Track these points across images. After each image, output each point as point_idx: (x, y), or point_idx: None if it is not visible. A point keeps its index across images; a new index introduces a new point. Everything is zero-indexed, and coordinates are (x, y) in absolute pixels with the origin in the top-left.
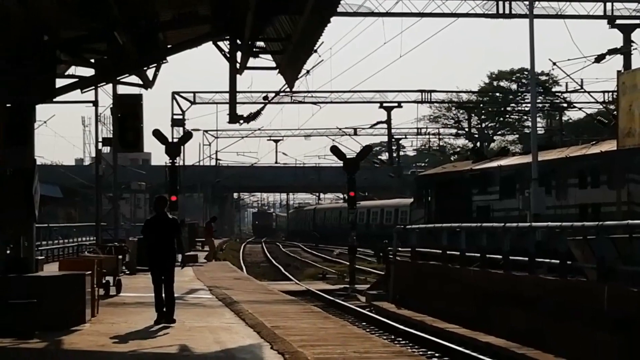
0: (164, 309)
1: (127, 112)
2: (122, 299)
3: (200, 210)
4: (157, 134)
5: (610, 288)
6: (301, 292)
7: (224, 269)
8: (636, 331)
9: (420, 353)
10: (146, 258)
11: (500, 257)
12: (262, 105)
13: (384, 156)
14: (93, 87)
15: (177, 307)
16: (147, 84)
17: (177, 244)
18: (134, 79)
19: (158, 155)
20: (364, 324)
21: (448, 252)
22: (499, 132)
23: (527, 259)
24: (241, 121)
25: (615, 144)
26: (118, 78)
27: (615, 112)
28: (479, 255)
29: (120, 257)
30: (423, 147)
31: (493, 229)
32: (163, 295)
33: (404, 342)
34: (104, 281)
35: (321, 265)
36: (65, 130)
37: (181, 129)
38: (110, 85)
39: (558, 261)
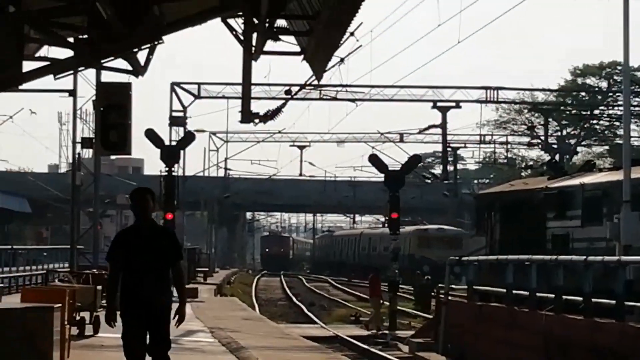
0: None
1: (112, 105)
2: (101, 341)
3: (203, 234)
4: (151, 134)
5: None
6: (328, 339)
7: (231, 306)
8: None
9: None
10: (118, 301)
11: (580, 298)
12: (284, 101)
13: (437, 169)
14: (70, 73)
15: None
16: (138, 70)
17: (175, 277)
18: (121, 63)
19: (153, 163)
20: None
21: (515, 291)
22: (584, 142)
23: (614, 302)
24: (257, 121)
25: None
26: (101, 62)
27: None
28: (553, 296)
29: (99, 287)
30: (487, 159)
31: (572, 263)
32: None
33: None
34: (77, 317)
35: (354, 305)
36: (37, 129)
37: (182, 129)
38: (93, 71)
39: None
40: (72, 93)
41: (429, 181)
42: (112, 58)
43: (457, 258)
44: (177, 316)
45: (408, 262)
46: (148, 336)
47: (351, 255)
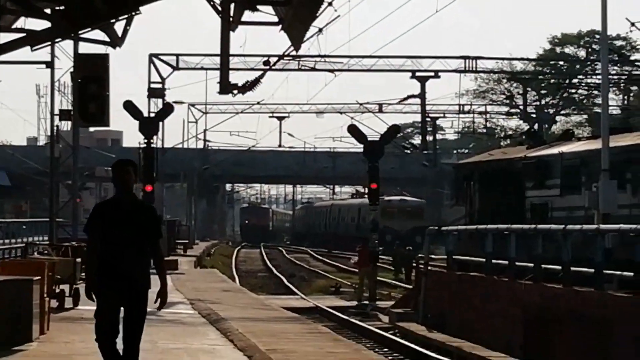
0: None
1: (90, 77)
2: (80, 313)
3: (183, 206)
4: (129, 106)
5: None
6: (308, 309)
7: (211, 278)
8: None
9: None
10: (94, 277)
11: (559, 267)
12: (262, 72)
13: (417, 140)
14: (47, 44)
15: (148, 324)
16: (116, 41)
17: (154, 256)
18: (99, 35)
19: (131, 135)
20: (386, 350)
21: (494, 260)
22: (562, 112)
23: (593, 270)
24: (235, 92)
25: None
26: (78, 33)
27: None
28: (532, 265)
29: (78, 260)
30: (466, 129)
31: (551, 232)
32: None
33: None
34: (57, 290)
35: (334, 276)
36: (15, 102)
37: (160, 101)
38: (71, 43)
39: (632, 273)
40: (50, 65)
41: (408, 151)
42: (89, 29)
43: (437, 228)
44: (158, 299)
45: (349, 230)
46: (125, 314)
47: (324, 225)
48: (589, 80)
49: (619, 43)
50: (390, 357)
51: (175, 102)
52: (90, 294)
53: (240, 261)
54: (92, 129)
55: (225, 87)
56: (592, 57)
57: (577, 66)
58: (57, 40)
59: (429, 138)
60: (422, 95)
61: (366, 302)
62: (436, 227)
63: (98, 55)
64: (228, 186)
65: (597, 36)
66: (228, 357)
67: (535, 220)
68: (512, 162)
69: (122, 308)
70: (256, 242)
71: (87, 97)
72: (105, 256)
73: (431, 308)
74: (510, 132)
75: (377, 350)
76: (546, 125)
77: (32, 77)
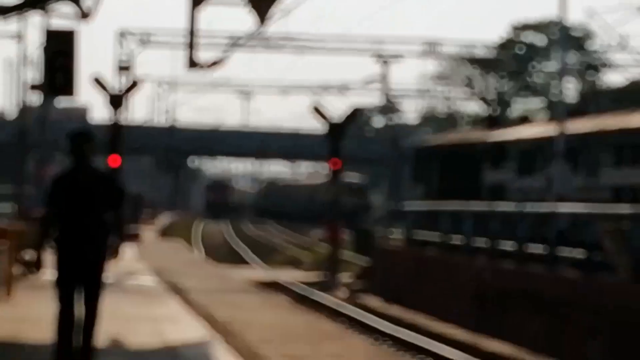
0: (76, 354)
1: (59, 49)
2: (45, 281)
3: (148, 180)
4: (97, 81)
5: None
6: (268, 282)
7: (175, 250)
8: None
9: (408, 358)
10: (53, 250)
11: (513, 247)
12: (229, 50)
13: (379, 122)
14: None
15: (112, 292)
16: (85, 15)
17: (114, 223)
18: (68, 8)
19: (99, 110)
20: (342, 321)
21: (450, 239)
22: (521, 97)
23: (546, 250)
24: (202, 69)
25: None
26: (47, 5)
27: None
28: (487, 244)
29: None
30: (427, 112)
31: (506, 213)
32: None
33: (390, 344)
34: (23, 258)
35: (295, 250)
36: None
37: (128, 76)
38: (41, 18)
39: (584, 254)
40: (19, 37)
41: (370, 133)
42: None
43: (397, 207)
44: (110, 250)
45: (318, 208)
46: (83, 291)
47: (284, 203)
48: (547, 67)
49: (577, 32)
50: (347, 328)
51: (142, 78)
52: (39, 265)
53: (204, 235)
54: (61, 106)
55: (193, 64)
56: (552, 45)
57: (537, 53)
58: (26, 9)
59: (391, 120)
60: (384, 78)
61: (327, 276)
62: (396, 206)
63: (67, 28)
64: (193, 162)
65: (557, 24)
66: (189, 325)
67: (492, 201)
68: (470, 145)
69: (83, 289)
70: (220, 217)
71: (55, 69)
72: (64, 228)
73: (389, 283)
74: (470, 117)
75: (334, 321)
76: (505, 111)
77: (1, 50)
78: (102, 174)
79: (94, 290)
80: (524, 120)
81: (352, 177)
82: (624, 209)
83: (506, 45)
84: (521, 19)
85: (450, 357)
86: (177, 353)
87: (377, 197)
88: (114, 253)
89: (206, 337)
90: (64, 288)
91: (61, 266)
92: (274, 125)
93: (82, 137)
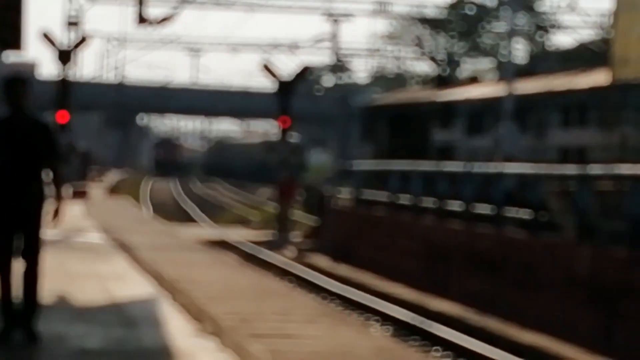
0: (19, 310)
1: (6, 3)
2: None
3: (97, 136)
4: (46, 36)
5: (589, 250)
6: (215, 240)
7: (123, 207)
8: (616, 303)
9: (355, 317)
10: None
11: (460, 206)
12: (179, 6)
13: (328, 80)
14: None
15: (57, 250)
16: None
17: (53, 177)
18: None
19: (48, 66)
20: (290, 279)
21: (398, 198)
22: (471, 57)
23: (493, 210)
24: (152, 25)
25: (609, 75)
26: None
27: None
28: (434, 203)
29: None
30: (377, 71)
31: (453, 173)
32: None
33: (337, 303)
34: None
35: (243, 209)
36: None
37: (77, 32)
38: None
39: (530, 214)
40: None
41: (320, 91)
42: None
43: (345, 166)
44: (53, 215)
45: (256, 166)
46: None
47: (232, 162)
48: (497, 28)
49: None
50: (293, 287)
51: (92, 34)
52: None
53: (153, 192)
54: (8, 61)
55: (142, 20)
56: (501, 6)
57: (487, 13)
58: None
59: (340, 79)
60: (335, 37)
61: (276, 235)
62: (344, 165)
63: None
64: (142, 119)
65: None
66: (135, 282)
67: (440, 160)
68: (419, 104)
69: (22, 238)
70: (168, 175)
71: (2, 24)
72: None
73: (337, 243)
74: (420, 77)
75: (281, 280)
76: (454, 71)
77: None
78: (37, 121)
79: (32, 243)
80: (473, 80)
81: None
82: (571, 169)
83: (456, 6)
84: None
85: (396, 316)
86: (123, 310)
87: (326, 156)
88: (55, 215)
89: (153, 295)
90: (1, 238)
91: None
92: (224, 83)
93: (18, 82)
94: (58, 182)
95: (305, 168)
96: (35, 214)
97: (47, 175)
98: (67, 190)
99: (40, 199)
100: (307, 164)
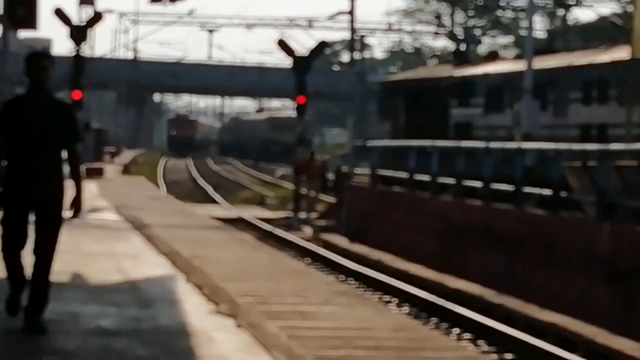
0: (27, 294)
1: None
2: None
3: (111, 114)
4: (60, 13)
5: (609, 228)
6: (232, 219)
7: (138, 185)
8: (637, 281)
9: (373, 296)
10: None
11: (479, 184)
12: None
13: (345, 57)
14: None
15: (72, 229)
16: None
17: (70, 162)
18: None
19: (62, 43)
20: (307, 259)
21: (416, 176)
22: (490, 33)
23: (512, 188)
24: (166, 2)
25: (630, 51)
26: None
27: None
28: (453, 181)
29: None
30: (394, 47)
31: (472, 150)
32: (29, 267)
33: (354, 282)
34: None
35: (260, 188)
36: None
37: (91, 8)
38: None
39: (550, 192)
40: None
41: (337, 68)
42: None
43: (362, 143)
44: (73, 208)
45: (261, 144)
46: (37, 226)
47: (248, 139)
48: (515, 3)
49: None
50: (311, 266)
51: (105, 11)
52: None
53: (167, 171)
54: (21, 37)
55: None
56: None
57: None
58: None
59: (358, 55)
60: (351, 13)
61: (293, 214)
62: (362, 142)
63: None
64: (157, 97)
65: None
66: (151, 261)
67: (459, 138)
68: (437, 80)
69: (37, 224)
70: (183, 152)
71: (16, 1)
72: (13, 160)
73: (354, 222)
74: (438, 53)
75: (298, 259)
76: (473, 47)
77: None
78: (58, 101)
79: (47, 228)
80: (492, 56)
81: (291, 113)
82: (591, 146)
83: None
84: None
85: (414, 293)
86: (138, 289)
87: (343, 133)
88: (77, 209)
89: (168, 274)
90: (14, 219)
91: (12, 201)
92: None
93: (41, 57)
94: (76, 167)
95: (309, 145)
96: (56, 207)
97: (64, 157)
98: (82, 171)
99: (60, 191)
100: (310, 141)
